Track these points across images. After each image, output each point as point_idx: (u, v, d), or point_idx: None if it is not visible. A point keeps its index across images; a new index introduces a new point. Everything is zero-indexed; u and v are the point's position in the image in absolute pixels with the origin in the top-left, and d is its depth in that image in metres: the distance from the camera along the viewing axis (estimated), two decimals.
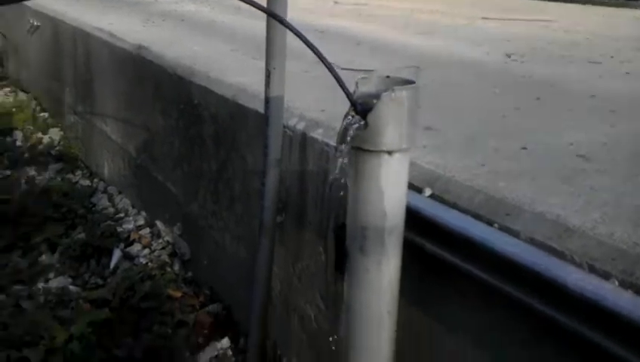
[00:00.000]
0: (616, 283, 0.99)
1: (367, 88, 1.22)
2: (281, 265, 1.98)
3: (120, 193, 3.51)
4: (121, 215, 3.27)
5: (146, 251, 2.83)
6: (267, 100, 1.71)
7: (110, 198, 3.48)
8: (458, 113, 1.95)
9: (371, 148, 1.16)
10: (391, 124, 1.13)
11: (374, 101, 1.13)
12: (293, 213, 1.88)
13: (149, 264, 2.71)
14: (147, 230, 3.03)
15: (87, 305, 2.47)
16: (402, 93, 1.12)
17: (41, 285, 2.74)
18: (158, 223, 2.93)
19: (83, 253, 2.88)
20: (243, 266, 2.24)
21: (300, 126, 1.82)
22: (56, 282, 2.76)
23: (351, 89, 1.18)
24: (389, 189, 1.19)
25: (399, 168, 1.19)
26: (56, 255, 2.94)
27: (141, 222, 3.12)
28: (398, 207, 1.21)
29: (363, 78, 1.21)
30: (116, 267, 2.80)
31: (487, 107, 2.05)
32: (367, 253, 1.22)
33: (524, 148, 1.55)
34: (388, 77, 1.22)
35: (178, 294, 2.44)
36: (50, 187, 3.57)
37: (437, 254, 1.25)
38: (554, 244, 1.09)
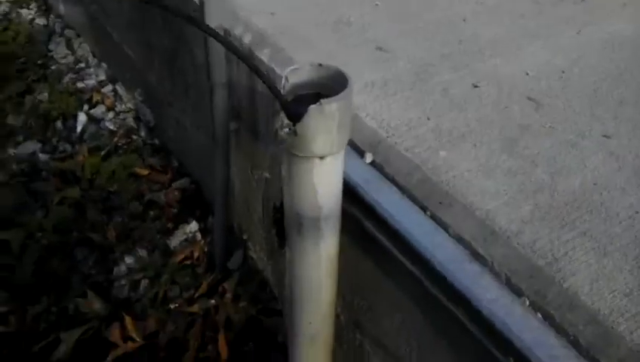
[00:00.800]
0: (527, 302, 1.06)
1: (298, 79, 1.14)
2: (240, 167, 2.00)
3: (79, 37, 3.34)
4: (82, 65, 3.16)
5: (111, 115, 2.81)
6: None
7: (69, 44, 3.32)
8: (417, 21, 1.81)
9: (302, 154, 1.13)
10: (320, 134, 1.09)
11: (304, 109, 1.08)
12: (247, 122, 1.86)
13: (116, 130, 2.71)
14: (109, 87, 2.96)
15: (56, 179, 2.53)
16: (332, 107, 1.06)
17: (12, 151, 2.77)
18: (119, 88, 2.86)
19: (46, 117, 2.86)
20: (207, 148, 2.26)
21: (247, 40, 1.70)
22: (25, 147, 2.79)
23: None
24: (322, 187, 1.18)
25: (332, 168, 1.17)
26: (22, 116, 2.92)
27: (102, 77, 3.03)
28: (334, 199, 1.22)
29: (293, 69, 1.13)
30: (83, 131, 2.80)
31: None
32: (305, 237, 1.26)
33: (477, 87, 1.49)
34: (320, 65, 1.14)
35: (145, 172, 2.49)
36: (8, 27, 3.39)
37: (374, 236, 1.29)
38: (478, 248, 1.13)
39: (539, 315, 1.04)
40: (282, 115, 1.10)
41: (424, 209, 1.22)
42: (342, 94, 1.06)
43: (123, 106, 2.81)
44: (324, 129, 1.08)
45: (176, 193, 2.44)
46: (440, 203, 1.22)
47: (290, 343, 1.52)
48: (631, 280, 1.05)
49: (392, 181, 1.29)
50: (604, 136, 1.36)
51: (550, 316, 1.02)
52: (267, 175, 1.83)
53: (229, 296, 2.05)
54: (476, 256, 1.13)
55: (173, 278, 2.11)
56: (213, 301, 2.05)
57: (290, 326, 1.48)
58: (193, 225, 2.24)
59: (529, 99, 1.45)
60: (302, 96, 1.15)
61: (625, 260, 1.09)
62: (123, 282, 2.15)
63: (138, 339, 1.94)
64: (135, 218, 2.33)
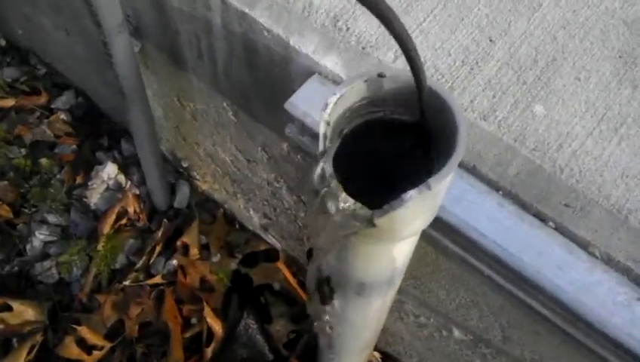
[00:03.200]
0: None
1: (346, 104, 0.59)
2: (159, 93, 1.40)
3: None
4: None
5: None
6: None
7: None
8: None
9: (376, 244, 0.64)
10: (415, 220, 0.59)
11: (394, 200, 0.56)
12: (156, 41, 1.22)
13: None
14: None
15: None
16: (443, 184, 0.54)
17: None
18: None
19: None
20: (89, 60, 1.59)
21: None
22: None
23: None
24: (401, 258, 0.72)
25: (413, 241, 0.70)
26: None
27: None
28: (409, 256, 0.76)
29: (337, 94, 0.57)
30: None
31: None
32: (368, 295, 0.82)
33: None
34: (381, 75, 0.58)
35: (10, 102, 1.76)
36: None
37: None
38: None
39: None
40: (341, 194, 0.58)
41: (541, 218, 0.79)
42: (457, 152, 0.54)
43: None
44: (424, 213, 0.59)
45: (63, 118, 1.78)
46: (566, 205, 0.78)
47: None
48: None
49: (480, 178, 0.82)
50: None
51: None
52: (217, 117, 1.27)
53: (194, 250, 1.60)
54: None
55: (112, 247, 1.60)
56: (175, 261, 1.60)
57: (335, 351, 1.10)
58: (110, 168, 1.66)
59: None
60: (355, 132, 0.62)
61: None
62: (46, 264, 1.63)
63: (104, 344, 1.51)
64: (25, 174, 1.71)
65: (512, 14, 0.88)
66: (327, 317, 0.94)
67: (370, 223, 0.57)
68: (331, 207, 0.61)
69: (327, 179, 0.58)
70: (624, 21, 0.87)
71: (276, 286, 1.57)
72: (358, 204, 0.58)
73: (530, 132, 0.80)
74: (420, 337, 1.35)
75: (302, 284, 1.59)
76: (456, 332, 1.21)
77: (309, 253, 0.87)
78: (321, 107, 0.57)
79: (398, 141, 0.63)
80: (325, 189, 0.60)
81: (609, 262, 0.76)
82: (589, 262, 0.76)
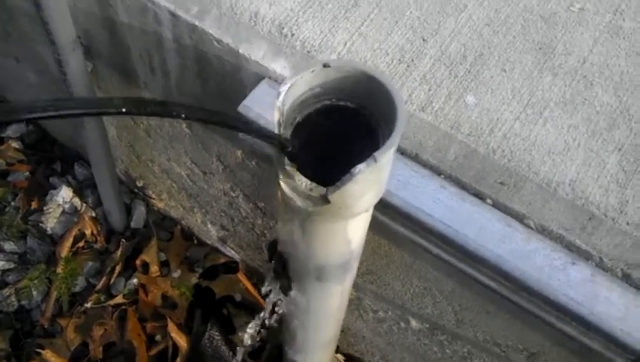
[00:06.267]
0: None
1: (297, 93, 0.65)
2: None
3: None
4: None
5: None
6: None
7: None
8: None
9: (331, 221, 0.70)
10: (366, 195, 0.65)
11: (344, 174, 0.62)
12: (109, 59, 1.26)
13: None
14: None
15: None
16: (388, 155, 0.61)
17: None
18: None
19: None
20: (39, 86, 1.61)
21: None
22: None
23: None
24: (356, 238, 0.78)
25: (369, 216, 0.76)
26: None
27: None
28: (362, 238, 0.82)
29: (290, 86, 0.63)
30: None
31: None
32: (327, 280, 0.87)
33: None
34: (326, 65, 0.64)
35: None
36: None
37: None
38: (576, 240, 0.83)
39: None
40: (295, 173, 0.64)
41: (479, 196, 0.86)
42: (398, 127, 0.61)
43: None
44: (372, 187, 0.65)
45: (14, 146, 1.78)
46: (501, 183, 0.86)
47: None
48: None
49: (422, 164, 0.89)
50: None
51: None
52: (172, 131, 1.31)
53: (154, 268, 1.62)
54: (578, 253, 0.83)
55: (72, 270, 1.61)
56: (135, 280, 1.61)
57: (299, 347, 1.15)
58: (64, 192, 1.67)
59: None
60: (306, 120, 0.68)
61: None
62: (5, 292, 1.62)
63: None
64: None
65: (441, 15, 0.96)
66: (291, 309, 0.99)
67: (325, 200, 0.63)
68: (287, 187, 0.66)
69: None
70: (542, 16, 0.97)
71: (238, 297, 1.61)
72: (314, 184, 0.64)
73: (464, 120, 0.87)
74: (380, 333, 1.40)
75: (262, 294, 1.62)
76: (413, 323, 1.27)
77: (271, 247, 0.92)
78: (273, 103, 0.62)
79: (346, 126, 0.69)
80: (282, 172, 0.66)
81: (543, 231, 0.84)
82: (526, 232, 0.84)
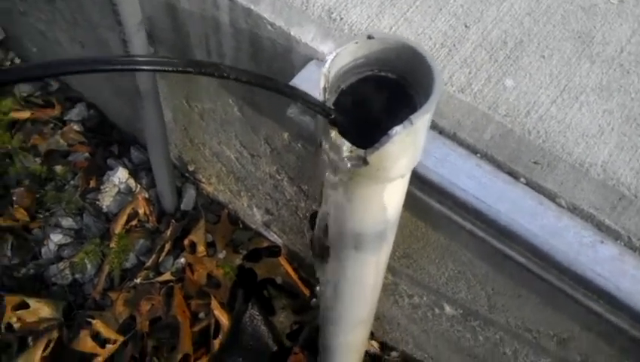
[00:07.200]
0: None
1: (341, 64, 0.71)
2: (168, 95, 1.52)
3: None
4: None
5: None
6: None
7: None
8: None
9: (370, 184, 0.75)
10: (402, 158, 0.70)
11: (382, 135, 0.67)
12: (169, 45, 1.35)
13: None
14: None
15: None
16: (424, 119, 0.66)
17: None
18: None
19: None
20: None
21: None
22: None
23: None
24: (392, 204, 0.83)
25: (405, 182, 0.81)
26: None
27: None
28: (400, 206, 0.87)
29: (335, 57, 0.69)
30: None
31: None
32: (365, 250, 0.92)
33: None
34: (370, 37, 0.70)
35: (26, 114, 1.89)
36: None
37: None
38: (605, 220, 0.86)
39: None
40: (337, 138, 0.69)
41: (513, 175, 0.90)
42: (434, 94, 0.66)
43: None
44: (408, 150, 0.70)
45: (75, 129, 1.90)
46: (535, 162, 0.90)
47: (332, 331, 1.25)
48: None
49: (459, 143, 0.93)
50: None
51: None
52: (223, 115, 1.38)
53: (201, 248, 1.70)
54: (608, 232, 0.86)
55: (124, 246, 1.70)
56: (183, 259, 1.69)
57: (335, 323, 1.20)
58: (121, 173, 1.77)
59: None
60: (349, 88, 0.73)
61: None
62: (61, 266, 1.72)
63: (117, 338, 1.60)
64: (40, 181, 1.81)
65: (484, 4, 1.01)
66: (329, 281, 1.04)
67: (364, 161, 0.69)
68: (330, 151, 0.72)
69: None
70: (582, 7, 1.00)
71: (279, 280, 1.67)
72: (354, 146, 0.69)
73: (502, 101, 0.92)
74: (414, 319, 1.44)
75: (302, 279, 1.68)
76: (447, 308, 1.30)
77: (312, 218, 0.97)
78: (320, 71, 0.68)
79: (387, 95, 0.74)
80: (325, 138, 0.72)
81: (574, 210, 0.87)
82: (557, 211, 0.87)
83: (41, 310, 1.64)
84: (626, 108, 0.90)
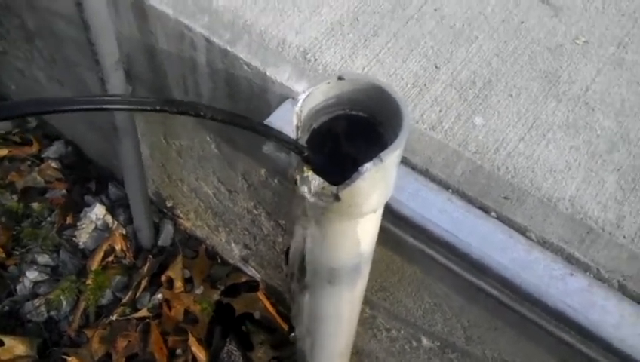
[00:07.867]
0: None
1: (312, 104, 0.73)
2: (145, 132, 1.53)
3: None
4: None
5: None
6: None
7: None
8: None
9: (342, 220, 0.77)
10: (374, 193, 0.72)
11: (353, 173, 0.69)
12: (147, 83, 1.36)
13: None
14: None
15: None
16: (394, 156, 0.68)
17: None
18: None
19: None
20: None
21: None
22: None
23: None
24: (365, 239, 0.84)
25: (378, 217, 0.83)
26: None
27: None
28: (372, 243, 0.89)
29: (306, 97, 0.71)
30: None
31: None
32: (339, 283, 0.94)
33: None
34: (341, 78, 0.73)
35: (4, 152, 1.88)
36: None
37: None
38: (575, 252, 0.88)
39: None
40: (310, 174, 0.71)
41: (484, 209, 0.93)
42: (403, 132, 0.68)
43: None
44: (378, 186, 0.72)
45: (53, 166, 1.90)
46: (505, 197, 0.92)
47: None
48: None
49: (431, 178, 0.95)
50: None
51: None
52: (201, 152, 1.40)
53: (178, 284, 1.69)
54: (577, 264, 0.88)
55: (100, 283, 1.69)
56: (160, 295, 1.68)
57: (313, 358, 1.20)
58: (98, 209, 1.77)
59: (542, 1, 1.12)
60: (321, 127, 0.75)
61: None
62: (36, 303, 1.70)
63: None
64: (17, 218, 1.80)
65: (454, 46, 1.04)
66: (304, 316, 1.05)
67: (336, 197, 0.70)
68: (304, 188, 0.74)
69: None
70: (548, 48, 1.04)
71: (257, 315, 1.66)
72: (325, 183, 0.71)
73: (472, 139, 0.94)
74: (392, 353, 1.44)
75: (281, 313, 1.68)
76: (425, 341, 1.31)
77: (287, 253, 0.99)
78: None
79: (358, 133, 0.76)
80: (298, 175, 0.73)
81: (544, 243, 0.89)
82: (527, 244, 0.89)
83: (15, 348, 1.61)
84: (592, 145, 0.94)
